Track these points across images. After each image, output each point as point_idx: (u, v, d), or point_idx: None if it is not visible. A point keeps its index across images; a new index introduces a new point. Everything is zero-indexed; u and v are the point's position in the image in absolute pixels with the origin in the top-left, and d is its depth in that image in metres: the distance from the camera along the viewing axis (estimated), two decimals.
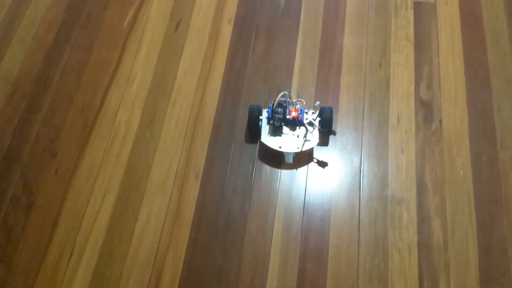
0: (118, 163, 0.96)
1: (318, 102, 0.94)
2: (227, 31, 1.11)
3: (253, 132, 0.97)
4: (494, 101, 0.99)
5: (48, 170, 0.97)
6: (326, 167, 0.94)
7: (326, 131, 0.92)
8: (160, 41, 1.10)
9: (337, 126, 0.98)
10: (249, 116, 0.94)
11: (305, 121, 0.92)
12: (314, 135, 0.92)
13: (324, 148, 0.96)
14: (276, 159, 0.95)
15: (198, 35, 1.11)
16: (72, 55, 1.09)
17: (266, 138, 0.92)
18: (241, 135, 0.98)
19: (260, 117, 0.94)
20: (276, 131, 0.92)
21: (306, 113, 0.94)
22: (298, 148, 0.91)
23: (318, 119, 0.93)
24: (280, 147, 0.91)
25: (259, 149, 0.96)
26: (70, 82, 1.06)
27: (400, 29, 1.09)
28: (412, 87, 1.02)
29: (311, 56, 1.07)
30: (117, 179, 0.94)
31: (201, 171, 0.95)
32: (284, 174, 0.94)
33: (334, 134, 0.93)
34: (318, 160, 0.95)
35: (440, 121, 0.98)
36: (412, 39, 1.07)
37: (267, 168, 0.95)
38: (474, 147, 0.95)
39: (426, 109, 0.99)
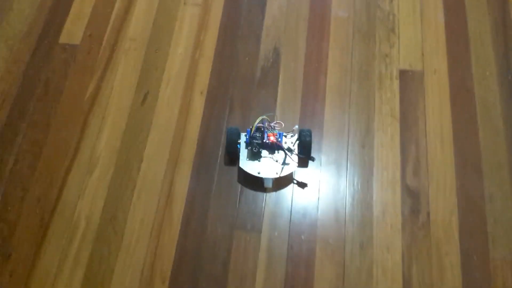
0: (77, 266, 0.87)
1: (297, 126, 0.93)
2: (199, 104, 1.03)
3: (232, 156, 0.96)
4: (486, 189, 0.92)
5: (2, 275, 0.88)
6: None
7: (305, 157, 0.91)
8: (125, 117, 1.01)
9: (318, 215, 0.91)
10: (227, 140, 0.93)
11: (284, 145, 0.92)
12: (293, 160, 0.91)
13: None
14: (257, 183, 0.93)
15: (168, 109, 1.02)
16: (27, 134, 0.99)
17: (245, 163, 0.92)
18: (213, 230, 0.91)
19: (239, 141, 0.93)
20: (254, 155, 0.92)
21: (285, 136, 0.93)
22: (277, 173, 0.90)
23: (298, 142, 0.92)
24: (259, 173, 0.91)
25: (238, 173, 0.95)
26: (25, 168, 0.96)
27: (384, 103, 1.01)
28: (398, 173, 0.94)
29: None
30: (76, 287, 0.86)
31: (168, 275, 0.87)
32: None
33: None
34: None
35: (428, 214, 0.90)
36: (398, 115, 1.00)
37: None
38: (464, 244, 0.88)
39: (413, 199, 0.92)
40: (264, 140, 0.91)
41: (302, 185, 0.94)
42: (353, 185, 0.93)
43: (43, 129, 1.00)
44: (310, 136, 0.92)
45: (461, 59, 1.05)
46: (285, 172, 0.91)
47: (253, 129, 0.90)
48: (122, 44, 1.09)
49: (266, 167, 0.91)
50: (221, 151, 0.97)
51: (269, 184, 0.92)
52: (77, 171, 0.95)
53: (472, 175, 0.93)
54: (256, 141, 0.90)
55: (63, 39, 1.10)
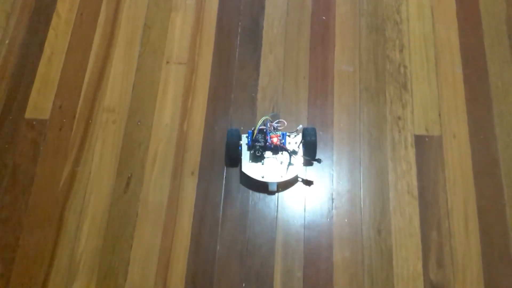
0: None
1: (301, 126, 0.89)
2: (191, 187, 0.90)
3: (233, 160, 0.91)
4: None
5: None
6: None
7: (310, 159, 0.88)
8: (106, 208, 0.88)
9: None
10: (227, 143, 0.89)
11: (287, 145, 0.88)
12: (298, 161, 0.87)
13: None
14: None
15: (155, 195, 0.89)
16: None
17: (248, 167, 0.88)
18: None
19: (240, 142, 0.89)
20: (257, 158, 0.88)
21: (289, 136, 0.89)
22: (282, 176, 0.87)
23: (302, 142, 0.88)
24: (263, 177, 0.87)
25: (241, 176, 0.90)
26: None
27: (400, 177, 0.90)
28: (420, 265, 0.84)
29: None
30: None
31: None
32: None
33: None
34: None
35: None
36: (416, 192, 0.88)
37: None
38: None
39: None
40: (267, 143, 0.86)
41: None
42: (372, 280, 0.83)
43: (14, 229, 0.87)
44: (315, 135, 0.87)
45: (483, 120, 0.94)
46: (290, 175, 0.87)
47: (255, 131, 0.86)
48: (98, 116, 0.95)
49: (270, 170, 0.87)
50: (218, 247, 0.86)
51: (273, 188, 0.88)
52: (55, 282, 0.84)
53: (501, 264, 0.84)
54: (258, 144, 0.86)
55: (29, 113, 0.96)
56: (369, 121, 0.94)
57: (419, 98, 0.95)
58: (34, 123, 0.95)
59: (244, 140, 0.88)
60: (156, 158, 0.92)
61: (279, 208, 0.89)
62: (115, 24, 1.04)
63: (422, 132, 0.93)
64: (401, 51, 1.00)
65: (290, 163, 0.87)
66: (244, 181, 0.90)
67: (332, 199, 0.88)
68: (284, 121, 0.90)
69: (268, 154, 0.88)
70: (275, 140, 0.87)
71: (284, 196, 0.89)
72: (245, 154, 0.88)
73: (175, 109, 0.96)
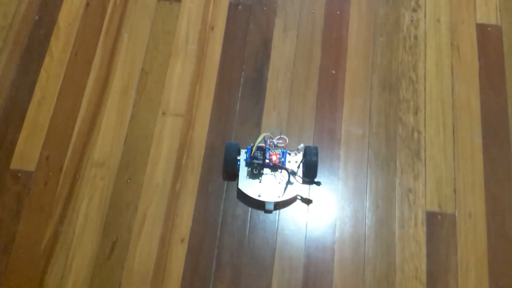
0: None
1: (302, 145, 0.86)
2: (179, 256, 0.84)
3: (230, 175, 0.88)
4: None
5: None
6: None
7: (309, 182, 0.84)
8: (89, 275, 0.81)
9: None
10: (225, 157, 0.85)
11: (287, 164, 0.84)
12: (297, 180, 0.84)
13: None
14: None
15: (140, 264, 0.83)
16: None
17: (244, 184, 0.84)
18: None
19: (238, 157, 0.85)
20: (255, 175, 0.84)
21: (289, 154, 0.86)
22: (279, 197, 0.83)
23: (303, 160, 0.85)
24: (259, 196, 0.84)
25: (237, 191, 0.86)
26: None
27: (408, 260, 0.82)
28: None
29: None
30: None
31: None
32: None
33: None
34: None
35: None
36: (424, 278, 0.81)
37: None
38: None
39: None
40: (266, 161, 0.83)
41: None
42: None
43: None
44: (316, 155, 0.84)
45: (503, 199, 0.85)
46: (288, 195, 0.84)
47: (254, 148, 0.83)
48: (86, 171, 0.89)
49: (267, 188, 0.84)
50: None
51: (270, 207, 0.85)
52: None
53: None
54: (257, 161, 0.83)
55: (15, 163, 0.90)
56: (377, 191, 0.87)
57: (433, 169, 0.88)
58: (19, 174, 0.89)
59: (242, 156, 0.85)
60: (144, 221, 0.86)
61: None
62: (111, 67, 0.97)
63: (435, 208, 0.85)
64: (415, 113, 0.92)
65: (288, 183, 0.83)
66: (241, 197, 0.86)
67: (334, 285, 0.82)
68: (285, 137, 0.86)
69: (266, 170, 0.85)
70: (274, 158, 0.84)
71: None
72: (243, 170, 0.85)
73: (168, 167, 0.89)
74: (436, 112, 0.92)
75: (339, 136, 0.91)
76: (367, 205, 0.86)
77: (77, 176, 0.89)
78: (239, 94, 0.95)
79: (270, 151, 0.84)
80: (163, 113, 0.93)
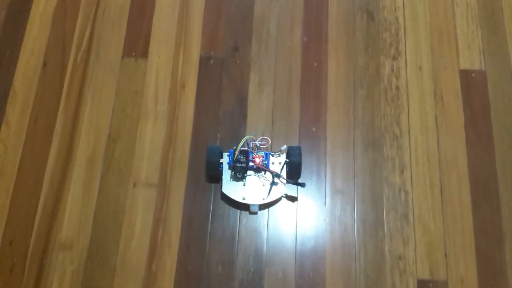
0: None
1: (285, 146, 0.85)
2: None
3: (213, 178, 0.88)
4: None
5: None
6: None
7: (292, 183, 0.84)
8: None
9: None
10: (207, 160, 0.84)
11: (271, 166, 0.84)
12: (282, 182, 0.84)
13: None
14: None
15: None
16: None
17: (228, 188, 0.84)
18: None
19: (221, 160, 0.84)
20: (238, 178, 0.84)
21: (272, 155, 0.85)
22: (264, 199, 0.83)
23: (285, 163, 0.84)
24: (243, 199, 0.83)
25: (222, 193, 0.84)
26: None
27: None
28: None
29: None
30: None
31: None
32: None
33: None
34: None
35: None
36: None
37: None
38: None
39: None
40: (249, 164, 0.82)
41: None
42: None
43: None
44: (300, 155, 0.83)
45: (494, 261, 0.82)
46: (273, 197, 0.83)
47: (237, 152, 0.82)
48: (53, 256, 0.81)
49: (251, 191, 0.84)
50: None
51: (255, 209, 0.85)
52: None
53: None
54: (240, 165, 0.82)
55: None
56: (366, 259, 0.83)
57: (422, 233, 0.84)
58: None
59: (225, 159, 0.84)
60: None
61: None
62: (74, 134, 0.90)
63: (426, 276, 0.82)
64: (401, 172, 0.88)
65: (272, 185, 0.83)
66: (225, 198, 0.85)
67: None
68: (268, 138, 0.85)
69: (250, 173, 0.84)
70: (257, 160, 0.83)
71: None
72: (226, 173, 0.84)
73: (143, 245, 0.83)
74: (423, 170, 0.88)
75: (322, 197, 0.86)
76: (356, 273, 0.82)
77: (44, 261, 0.82)
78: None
79: (253, 154, 0.83)
80: (134, 184, 0.87)
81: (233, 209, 0.86)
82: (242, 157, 0.82)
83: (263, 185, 0.84)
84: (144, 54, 0.95)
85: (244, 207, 0.86)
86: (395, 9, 0.99)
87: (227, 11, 0.98)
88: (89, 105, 0.91)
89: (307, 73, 0.94)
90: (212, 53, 0.96)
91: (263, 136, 0.85)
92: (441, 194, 0.86)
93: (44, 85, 0.93)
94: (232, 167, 0.82)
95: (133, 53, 0.95)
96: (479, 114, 0.91)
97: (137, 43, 0.96)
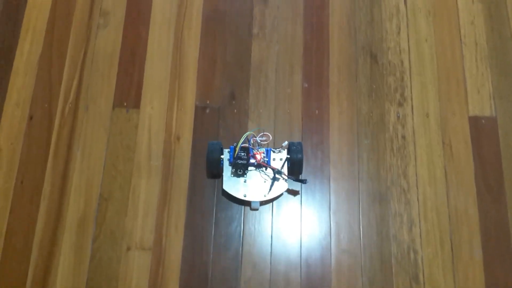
0: None
1: (286, 142, 0.83)
2: None
3: (214, 175, 0.86)
4: None
5: None
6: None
7: (294, 179, 0.81)
8: None
9: None
10: (207, 157, 0.82)
11: (272, 162, 0.82)
12: (282, 178, 0.82)
13: None
14: None
15: None
16: None
17: (229, 185, 0.82)
18: None
19: (222, 156, 0.83)
20: (239, 175, 0.83)
21: (273, 151, 0.83)
22: (265, 196, 0.82)
23: (288, 157, 0.83)
24: (245, 196, 0.82)
25: (223, 192, 0.83)
26: None
27: None
28: None
29: None
30: None
31: None
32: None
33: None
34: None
35: None
36: None
37: None
38: None
39: None
40: (250, 161, 0.81)
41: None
42: None
43: None
44: (301, 152, 0.82)
45: None
46: (274, 194, 0.82)
47: (237, 148, 0.80)
48: None
49: (252, 187, 0.82)
50: None
51: (256, 206, 0.84)
52: None
53: None
54: (241, 161, 0.80)
55: None
56: None
57: None
58: None
59: (226, 155, 0.83)
60: None
61: None
62: (64, 194, 0.85)
63: None
64: (410, 229, 0.83)
65: (274, 181, 0.81)
66: (226, 195, 0.84)
67: None
68: (269, 134, 0.83)
69: (251, 169, 0.83)
70: (258, 157, 0.82)
71: None
72: (227, 169, 0.82)
73: None
74: (432, 226, 0.83)
75: (328, 262, 0.82)
76: None
77: None
78: (214, 218, 0.84)
79: (254, 150, 0.82)
80: (128, 248, 0.82)
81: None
82: (243, 154, 0.80)
83: (264, 181, 0.82)
84: (136, 104, 0.91)
85: (245, 202, 0.84)
86: (400, 51, 0.94)
87: (223, 57, 0.94)
88: (78, 162, 0.86)
89: (308, 121, 0.90)
90: (208, 102, 0.91)
91: (264, 132, 0.83)
92: (452, 251, 0.82)
93: (31, 141, 0.88)
94: (232, 163, 0.81)
95: (124, 103, 0.90)
96: (489, 164, 0.87)
97: (128, 93, 0.91)
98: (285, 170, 0.81)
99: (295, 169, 0.82)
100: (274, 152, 0.83)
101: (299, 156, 0.81)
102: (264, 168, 0.82)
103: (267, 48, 0.94)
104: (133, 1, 0.97)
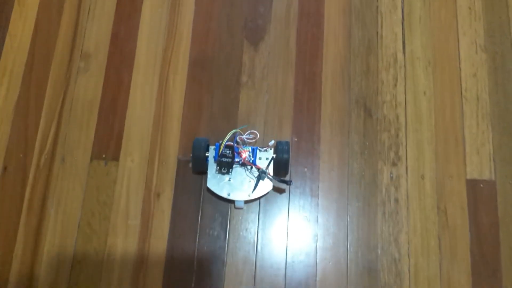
0: None
1: (273, 141, 0.81)
2: None
3: (199, 172, 0.85)
4: None
5: None
6: None
7: (278, 180, 0.79)
8: None
9: None
10: (193, 154, 0.81)
11: (258, 161, 0.81)
12: (267, 178, 0.80)
13: None
14: None
15: None
16: None
17: (213, 183, 0.81)
18: None
19: (207, 154, 0.81)
20: (224, 173, 0.81)
21: (260, 150, 0.82)
22: (249, 195, 0.80)
23: (273, 156, 0.81)
24: (228, 195, 0.81)
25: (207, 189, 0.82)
26: None
27: None
28: None
29: None
30: None
31: None
32: None
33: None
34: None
35: None
36: None
37: None
38: None
39: None
40: (235, 159, 0.80)
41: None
42: None
43: None
44: (288, 151, 0.80)
45: None
46: (258, 193, 0.81)
47: (222, 146, 0.79)
48: None
49: (237, 186, 0.81)
50: None
51: (240, 205, 0.83)
52: None
53: None
54: (225, 160, 0.80)
55: None
56: None
57: None
58: None
59: (211, 152, 0.82)
60: None
61: None
62: (36, 256, 0.80)
63: None
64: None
65: (258, 182, 0.80)
66: (211, 192, 0.82)
67: None
68: (256, 132, 0.84)
69: (236, 166, 0.81)
70: (244, 155, 0.81)
71: None
72: (212, 167, 0.81)
73: None
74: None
75: None
76: None
77: None
78: (193, 283, 0.80)
79: (239, 149, 0.81)
80: None
81: None
82: (228, 152, 0.79)
83: (249, 180, 0.81)
84: (115, 156, 0.86)
85: (229, 200, 0.83)
86: (396, 105, 0.89)
87: (209, 106, 0.89)
88: (52, 221, 0.82)
89: (296, 180, 0.85)
90: (191, 155, 0.86)
91: (251, 130, 0.83)
92: None
93: (4, 194, 0.83)
94: (217, 162, 0.80)
95: (103, 155, 0.86)
96: (486, 235, 0.82)
97: (108, 144, 0.86)
98: (270, 170, 0.80)
99: (281, 169, 0.81)
100: (260, 151, 0.82)
101: (285, 156, 0.80)
102: (249, 167, 0.81)
103: (256, 97, 0.89)
104: (117, 43, 0.92)
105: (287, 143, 0.81)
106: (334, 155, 0.86)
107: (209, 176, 0.81)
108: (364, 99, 0.89)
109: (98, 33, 0.93)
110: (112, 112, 0.88)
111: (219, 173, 0.80)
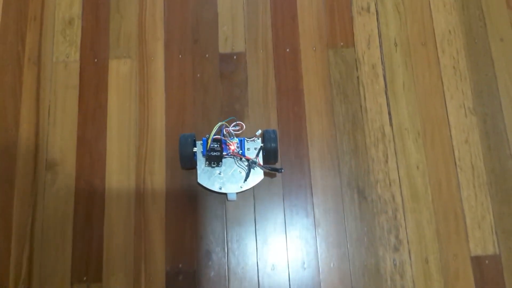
0: None
1: (260, 131, 0.82)
2: None
3: (188, 168, 0.84)
4: None
5: None
6: None
7: (269, 169, 0.80)
8: None
9: None
10: (180, 151, 0.80)
11: (247, 152, 0.81)
12: (258, 167, 0.81)
13: None
14: None
15: None
16: None
17: (204, 178, 0.81)
18: None
19: (194, 149, 0.81)
20: (214, 167, 0.81)
21: (247, 141, 0.82)
22: (241, 187, 0.81)
23: (262, 145, 0.82)
24: (220, 188, 0.81)
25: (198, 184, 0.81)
26: None
27: None
28: None
29: None
30: None
31: None
32: None
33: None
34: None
35: None
36: None
37: None
38: None
39: None
40: (224, 152, 0.80)
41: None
42: None
43: None
44: (276, 140, 0.80)
45: None
46: (250, 184, 0.81)
47: (210, 140, 0.79)
48: None
49: (228, 179, 0.81)
50: None
51: (233, 198, 0.83)
52: None
53: None
54: (214, 153, 0.79)
55: None
56: None
57: None
58: None
59: (199, 148, 0.81)
60: None
61: None
62: None
63: None
64: None
65: (249, 172, 0.81)
66: (202, 187, 0.82)
67: None
68: (242, 123, 0.83)
69: (226, 160, 0.81)
70: (232, 148, 0.81)
71: None
72: (201, 162, 0.81)
73: None
74: None
75: None
76: None
77: None
78: None
79: (227, 141, 0.81)
80: None
81: None
82: (216, 145, 0.79)
83: (240, 172, 0.81)
84: (98, 277, 0.78)
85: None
86: (390, 183, 0.84)
87: (194, 213, 0.83)
88: None
89: (294, 275, 0.80)
90: (180, 265, 0.80)
91: (236, 122, 0.82)
92: None
93: None
94: (206, 156, 0.79)
95: (84, 278, 0.78)
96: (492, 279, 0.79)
97: (88, 265, 0.79)
98: (260, 159, 0.80)
99: (270, 158, 0.81)
100: (248, 141, 0.82)
101: (273, 145, 0.80)
102: (239, 158, 0.81)
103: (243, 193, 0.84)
104: (84, 147, 0.84)
105: (274, 131, 0.81)
106: (332, 247, 0.81)
107: (199, 171, 0.81)
108: (356, 180, 0.84)
109: (62, 137, 0.85)
110: (88, 227, 0.81)
111: (208, 166, 0.80)
